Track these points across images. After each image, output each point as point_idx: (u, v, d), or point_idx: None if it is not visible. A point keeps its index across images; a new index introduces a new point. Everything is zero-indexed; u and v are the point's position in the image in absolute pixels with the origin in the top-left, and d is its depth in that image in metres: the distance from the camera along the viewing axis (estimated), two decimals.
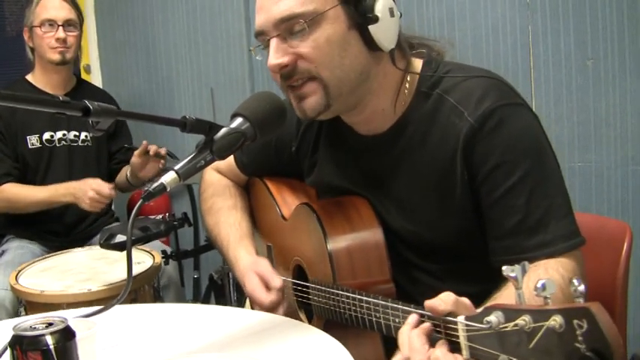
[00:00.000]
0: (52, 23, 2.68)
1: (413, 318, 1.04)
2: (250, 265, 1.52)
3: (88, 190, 2.53)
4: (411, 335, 1.01)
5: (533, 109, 1.35)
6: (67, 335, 0.94)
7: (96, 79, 3.78)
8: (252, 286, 1.48)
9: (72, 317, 1.02)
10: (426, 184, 1.34)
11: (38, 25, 2.69)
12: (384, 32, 1.27)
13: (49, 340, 0.92)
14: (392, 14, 1.27)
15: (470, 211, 1.30)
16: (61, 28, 2.68)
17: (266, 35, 1.29)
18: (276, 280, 1.45)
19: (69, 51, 2.73)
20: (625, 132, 2.28)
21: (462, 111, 1.28)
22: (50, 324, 0.94)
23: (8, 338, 0.99)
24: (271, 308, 1.44)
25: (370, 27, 1.25)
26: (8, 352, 0.94)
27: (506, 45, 2.44)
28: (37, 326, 0.94)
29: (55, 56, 2.70)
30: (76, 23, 2.75)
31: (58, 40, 2.68)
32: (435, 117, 1.32)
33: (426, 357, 0.97)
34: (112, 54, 3.80)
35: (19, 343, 0.92)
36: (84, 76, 3.60)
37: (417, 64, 1.38)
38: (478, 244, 1.31)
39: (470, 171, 1.28)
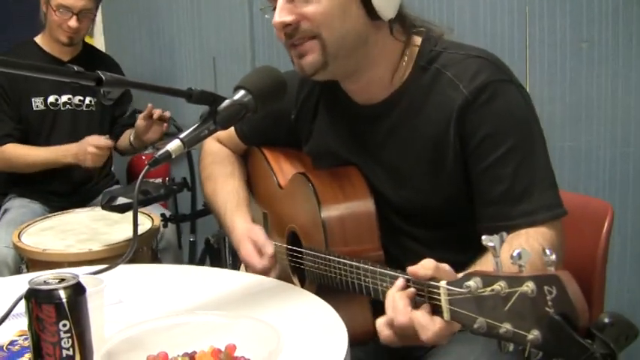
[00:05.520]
0: (67, 10, 2.68)
1: (400, 282, 1.11)
2: (245, 232, 1.59)
3: (87, 148, 2.59)
4: (395, 297, 1.09)
5: (527, 89, 1.42)
6: (78, 290, 0.99)
7: (98, 42, 3.80)
8: (247, 252, 1.55)
9: (81, 274, 1.08)
10: (419, 152, 1.40)
11: (54, 8, 2.68)
12: (384, 1, 1.34)
13: (62, 294, 0.97)
14: None
15: (460, 180, 1.37)
16: (75, 17, 2.68)
17: None
18: (269, 247, 1.52)
19: (78, 36, 2.76)
20: (615, 114, 2.33)
21: (458, 84, 1.34)
22: (62, 279, 1.00)
23: (16, 293, 1.06)
24: (263, 273, 1.52)
25: None
26: (23, 303, 1.00)
27: (503, 24, 2.48)
28: (50, 281, 0.99)
29: (64, 39, 2.73)
30: (92, 9, 2.76)
31: (70, 27, 2.69)
32: (432, 90, 1.38)
33: (408, 317, 1.04)
34: (114, 20, 3.82)
35: (34, 296, 0.97)
36: (87, 39, 3.61)
37: (417, 40, 1.44)
38: (466, 211, 1.37)
39: (462, 140, 1.34)
